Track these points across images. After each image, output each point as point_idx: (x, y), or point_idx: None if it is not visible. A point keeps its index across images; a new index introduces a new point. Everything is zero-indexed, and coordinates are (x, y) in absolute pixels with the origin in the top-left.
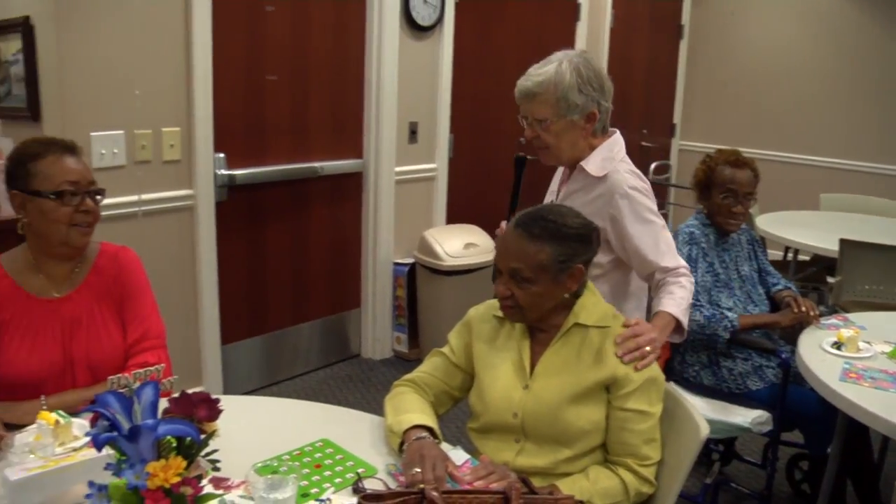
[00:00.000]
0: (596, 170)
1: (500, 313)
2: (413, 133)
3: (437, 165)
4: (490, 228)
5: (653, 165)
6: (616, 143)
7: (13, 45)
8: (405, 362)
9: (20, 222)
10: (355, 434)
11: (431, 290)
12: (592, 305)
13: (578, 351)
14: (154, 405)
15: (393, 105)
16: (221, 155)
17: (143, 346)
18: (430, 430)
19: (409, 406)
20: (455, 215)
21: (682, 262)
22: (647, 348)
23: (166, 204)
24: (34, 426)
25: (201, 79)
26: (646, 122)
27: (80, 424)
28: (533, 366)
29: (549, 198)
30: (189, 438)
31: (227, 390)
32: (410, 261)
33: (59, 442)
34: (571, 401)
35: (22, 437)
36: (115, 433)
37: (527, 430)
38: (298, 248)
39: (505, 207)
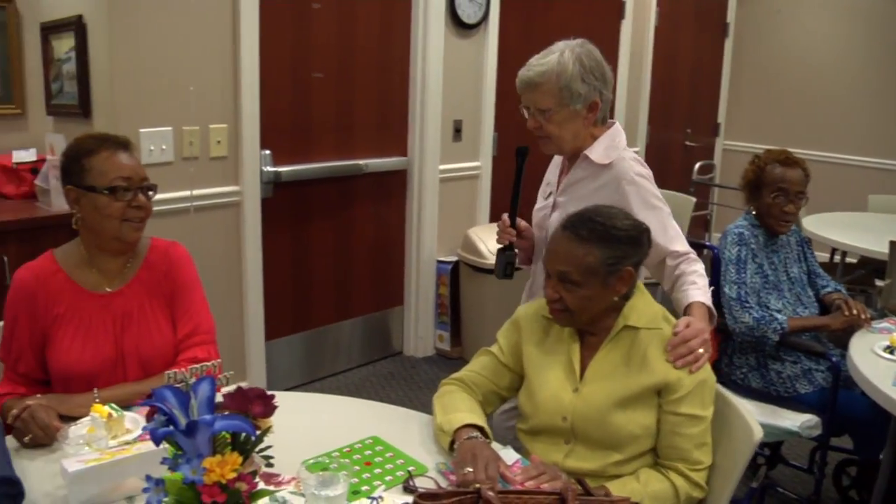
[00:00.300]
0: (600, 158)
1: (547, 313)
2: (457, 131)
3: (481, 163)
4: None
5: (697, 165)
6: (617, 132)
7: (66, 44)
8: (447, 360)
9: (74, 217)
10: (404, 432)
11: (474, 289)
12: (643, 306)
13: (628, 354)
14: (211, 400)
15: (437, 103)
16: (267, 152)
17: (193, 342)
18: (480, 429)
19: (459, 405)
20: (498, 213)
21: (690, 248)
22: (700, 350)
23: (213, 200)
24: (87, 419)
25: (248, 76)
26: (690, 121)
27: (133, 418)
28: (583, 369)
29: (548, 189)
30: (244, 434)
31: (270, 386)
32: (454, 259)
33: (111, 435)
34: (621, 405)
35: (76, 430)
36: (172, 428)
37: (576, 434)
38: (342, 246)
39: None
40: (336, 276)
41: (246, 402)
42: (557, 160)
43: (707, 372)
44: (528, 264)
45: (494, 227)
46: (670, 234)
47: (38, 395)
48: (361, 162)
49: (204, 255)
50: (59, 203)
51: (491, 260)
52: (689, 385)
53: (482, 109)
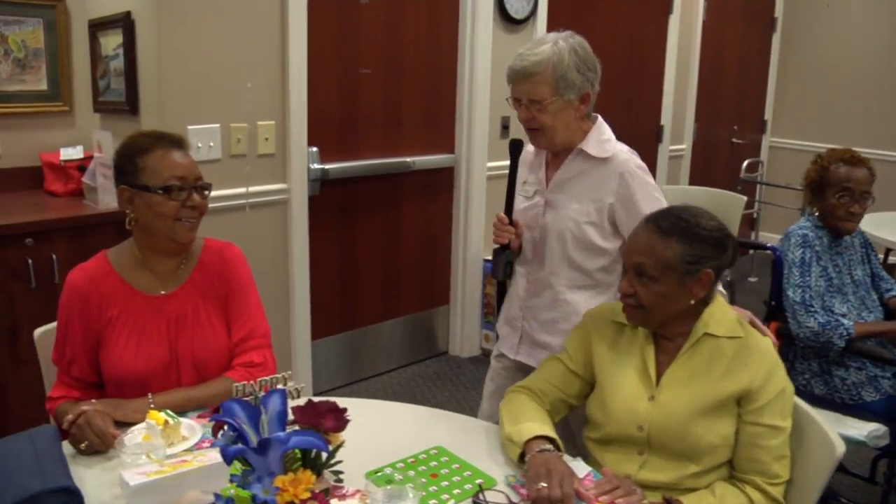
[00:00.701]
0: (598, 151)
1: (619, 318)
2: (505, 128)
3: None
4: None
5: (745, 163)
6: (605, 126)
7: (113, 40)
8: (488, 355)
9: (128, 218)
10: (469, 441)
11: None
12: (721, 314)
13: (709, 362)
14: (282, 415)
15: (485, 99)
16: (315, 149)
17: (248, 345)
18: (552, 441)
19: (528, 415)
20: None
21: None
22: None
23: (260, 198)
24: (142, 425)
25: (296, 71)
26: (736, 118)
27: (189, 425)
28: (658, 375)
29: (531, 188)
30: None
31: (316, 387)
32: None
33: (168, 442)
34: (701, 414)
35: (132, 438)
36: (244, 446)
37: (652, 444)
38: (389, 244)
39: None
40: (382, 275)
41: (317, 416)
42: (528, 158)
43: (787, 381)
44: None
45: None
46: None
47: (93, 401)
48: (408, 159)
49: (251, 254)
50: (106, 201)
51: None
52: (772, 393)
53: None
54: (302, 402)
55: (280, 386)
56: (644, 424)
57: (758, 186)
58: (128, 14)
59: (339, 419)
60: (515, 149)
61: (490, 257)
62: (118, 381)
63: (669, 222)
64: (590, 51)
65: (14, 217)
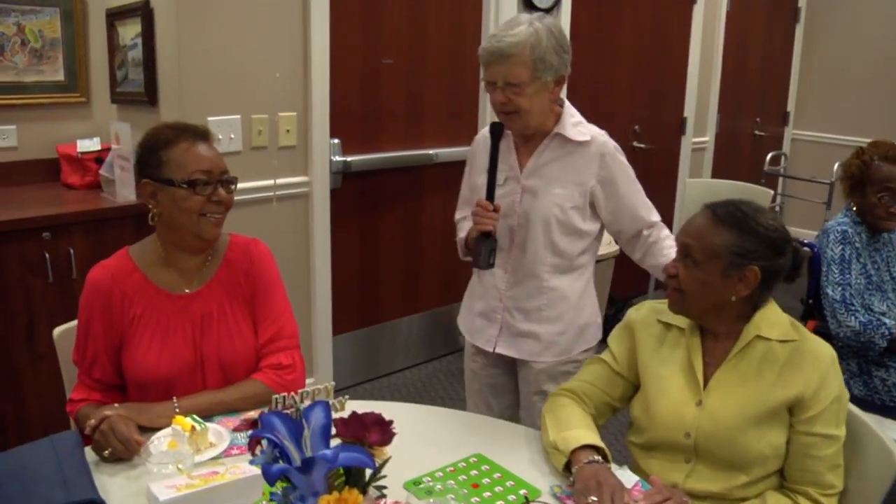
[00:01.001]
0: (576, 135)
1: (665, 317)
2: None
3: None
4: None
5: (769, 156)
6: (573, 109)
7: (131, 30)
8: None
9: (151, 213)
10: (510, 448)
11: None
12: (775, 317)
13: (759, 366)
14: (326, 430)
15: None
16: (336, 141)
17: (276, 346)
18: (599, 450)
19: (574, 421)
20: None
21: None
22: None
23: (282, 191)
24: (168, 430)
25: (318, 61)
26: (759, 110)
27: (216, 430)
28: (706, 379)
29: (503, 174)
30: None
31: (336, 382)
32: None
33: (195, 449)
34: (752, 422)
35: (157, 445)
36: (287, 465)
37: (699, 452)
38: (410, 238)
39: None
40: (404, 269)
41: (362, 430)
42: (487, 142)
43: (842, 388)
44: None
45: None
46: (649, 205)
47: (116, 405)
48: (431, 151)
49: (272, 248)
50: (124, 194)
51: None
52: (826, 400)
53: None
54: (345, 413)
55: (323, 397)
56: (691, 431)
57: (780, 179)
58: (146, 2)
59: (386, 432)
60: (497, 132)
61: None
62: (141, 382)
63: (726, 210)
64: (563, 32)
65: (31, 210)
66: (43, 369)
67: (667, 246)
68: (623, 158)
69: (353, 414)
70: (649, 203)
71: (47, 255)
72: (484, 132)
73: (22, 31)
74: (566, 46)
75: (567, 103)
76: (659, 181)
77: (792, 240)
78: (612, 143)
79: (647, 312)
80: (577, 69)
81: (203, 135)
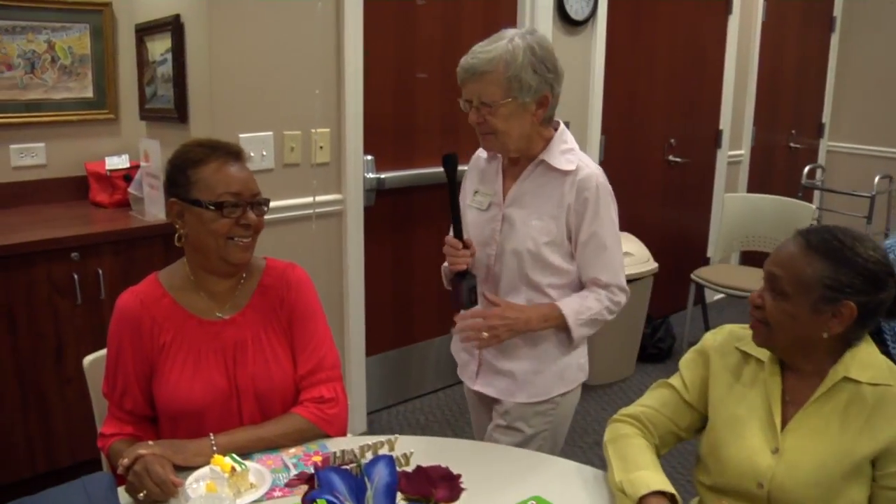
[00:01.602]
0: (563, 163)
1: (744, 346)
2: None
3: None
4: (643, 236)
5: (806, 169)
6: (568, 134)
7: (161, 45)
8: None
9: (178, 233)
10: (568, 489)
11: None
12: (867, 357)
13: (845, 411)
14: (391, 489)
15: None
16: (370, 157)
17: (317, 378)
18: (670, 496)
19: (640, 459)
20: None
21: (620, 281)
22: (484, 334)
23: (317, 209)
24: (205, 470)
25: (352, 76)
26: (794, 122)
27: (257, 470)
28: (784, 420)
29: (485, 200)
30: None
31: (369, 405)
32: None
33: (235, 491)
34: (833, 476)
35: (196, 487)
36: None
37: None
38: (445, 256)
39: (655, 214)
40: (438, 289)
41: (428, 485)
42: (479, 164)
43: None
44: None
45: None
46: (613, 265)
47: (150, 443)
48: (466, 168)
49: (305, 267)
50: (152, 212)
51: None
52: None
53: (589, 111)
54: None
55: (385, 451)
56: (764, 482)
57: (817, 193)
58: (177, 17)
59: (454, 488)
60: (451, 164)
61: None
62: (173, 413)
63: (821, 238)
64: (550, 49)
65: (59, 230)
66: (71, 392)
67: (580, 295)
68: (607, 199)
69: (419, 468)
70: (617, 262)
71: (75, 276)
72: (478, 152)
73: (52, 48)
74: (550, 64)
75: (563, 128)
76: (694, 196)
77: (892, 271)
78: (597, 179)
79: (725, 338)
80: (612, 82)
81: (235, 154)
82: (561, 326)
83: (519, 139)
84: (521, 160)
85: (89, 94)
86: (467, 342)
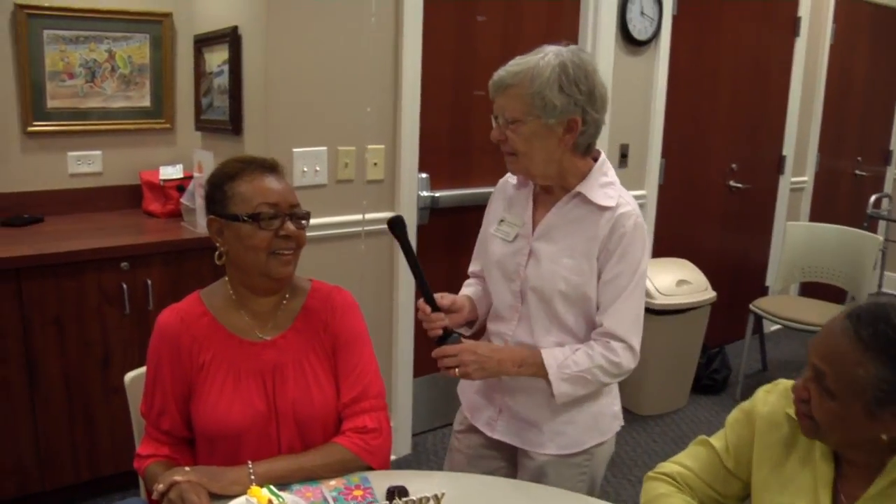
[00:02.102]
0: (601, 198)
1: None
2: (623, 156)
3: (647, 192)
4: (700, 263)
5: (872, 198)
6: (608, 165)
7: (218, 57)
8: None
9: (218, 251)
10: None
11: None
12: None
13: None
14: None
15: (604, 126)
16: (425, 175)
17: (360, 407)
18: None
19: None
20: (661, 247)
21: (626, 336)
22: (456, 370)
23: (367, 227)
24: (242, 500)
25: (409, 92)
26: (861, 148)
27: (295, 502)
28: None
29: (512, 230)
30: None
31: (415, 426)
32: None
33: None
34: None
35: None
36: None
37: None
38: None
39: (713, 241)
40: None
41: None
42: (507, 191)
43: None
44: (472, 323)
45: (661, 262)
46: (630, 317)
47: (187, 468)
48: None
49: (354, 286)
50: (204, 224)
51: (659, 300)
52: None
53: (650, 133)
54: None
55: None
56: None
57: (883, 223)
58: (234, 29)
59: None
60: (398, 228)
61: None
62: (210, 434)
63: (875, 330)
64: (588, 70)
65: (110, 239)
66: (116, 402)
67: (573, 348)
68: (641, 242)
69: None
70: (630, 313)
71: (124, 286)
72: (507, 177)
73: (112, 58)
74: (584, 87)
75: (603, 159)
76: (754, 223)
77: None
78: (636, 218)
79: (777, 402)
80: (674, 104)
81: (271, 167)
82: (541, 376)
83: (544, 165)
84: (554, 190)
85: (147, 103)
86: (445, 374)
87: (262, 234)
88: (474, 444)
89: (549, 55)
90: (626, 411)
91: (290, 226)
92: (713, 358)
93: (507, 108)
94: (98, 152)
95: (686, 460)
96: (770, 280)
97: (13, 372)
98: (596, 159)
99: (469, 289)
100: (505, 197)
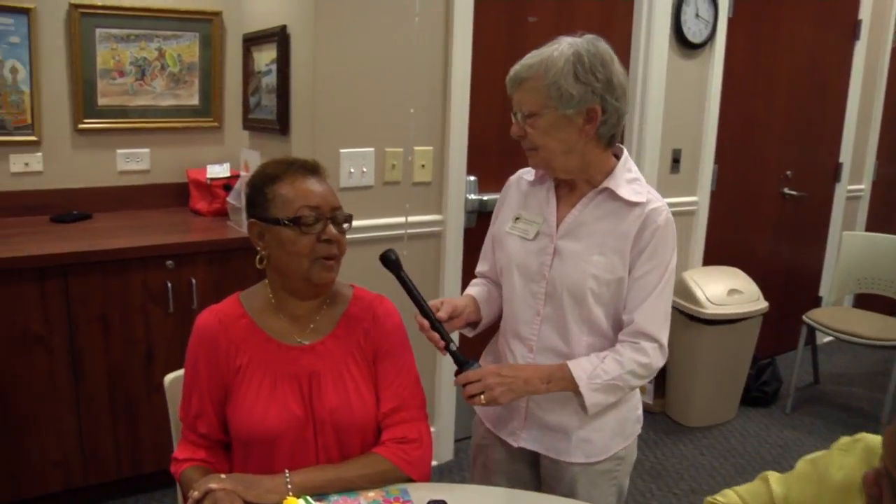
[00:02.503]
0: (630, 194)
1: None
2: (676, 161)
3: (699, 199)
4: (752, 273)
5: None
6: (631, 162)
7: (267, 56)
8: (648, 415)
9: (259, 255)
10: None
11: (687, 340)
12: None
13: None
14: None
15: (657, 128)
16: (473, 178)
17: (400, 417)
18: None
19: None
20: (712, 256)
21: (658, 335)
22: (482, 397)
23: (412, 229)
24: None
25: (459, 94)
26: None
27: None
28: None
29: (531, 227)
30: None
31: (457, 432)
32: None
33: None
34: None
35: None
36: None
37: None
38: None
39: (766, 250)
40: None
41: None
42: (523, 186)
43: None
44: (476, 324)
45: (712, 270)
46: (659, 315)
47: (222, 475)
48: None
49: (398, 290)
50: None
51: (710, 309)
52: None
53: (703, 138)
54: None
55: None
56: None
57: None
58: (283, 28)
59: None
60: (393, 263)
61: None
62: (246, 439)
63: None
64: (606, 58)
65: (156, 238)
66: (158, 401)
67: (600, 356)
68: (671, 239)
69: None
70: (661, 312)
71: (169, 284)
72: (520, 173)
73: (162, 56)
74: (601, 75)
75: (626, 156)
76: (809, 232)
77: None
78: (666, 214)
79: (854, 467)
80: (728, 108)
81: (312, 169)
82: (571, 390)
83: (564, 157)
84: (578, 186)
85: (195, 101)
86: (471, 403)
87: (305, 240)
88: (499, 457)
89: (563, 45)
90: (674, 422)
91: (331, 229)
92: (763, 369)
93: (525, 103)
94: (146, 150)
95: (746, 495)
96: (824, 291)
97: (59, 367)
98: (618, 156)
99: (474, 289)
100: (520, 193)
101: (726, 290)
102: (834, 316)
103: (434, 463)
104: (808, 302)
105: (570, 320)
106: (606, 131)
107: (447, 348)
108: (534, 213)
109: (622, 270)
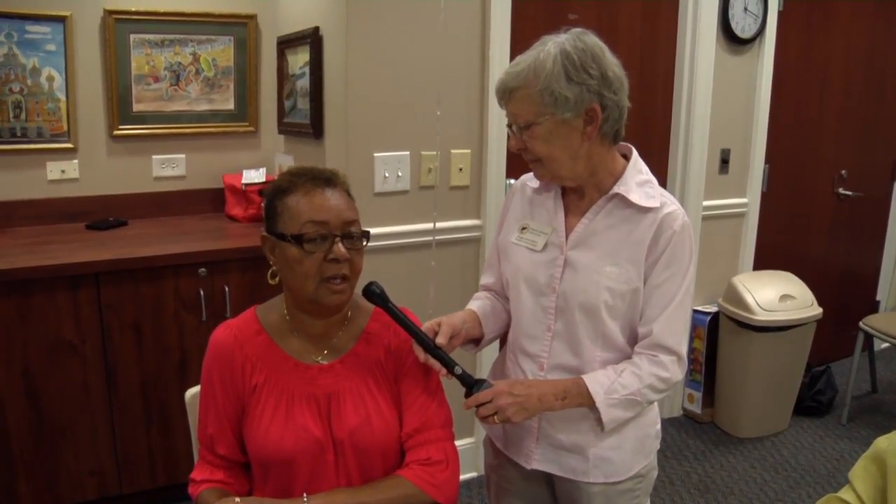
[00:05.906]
0: (643, 198)
1: None
2: (724, 162)
3: (749, 200)
4: (805, 277)
5: None
6: (641, 162)
7: (301, 58)
8: (696, 424)
9: (271, 270)
10: None
11: (736, 347)
12: None
13: None
14: None
15: (704, 128)
16: (512, 181)
17: (425, 437)
18: None
19: None
20: (764, 260)
21: (677, 347)
22: (495, 418)
23: (450, 235)
24: None
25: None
26: None
27: None
28: None
29: (539, 238)
30: None
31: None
32: (713, 309)
33: None
34: None
35: None
36: None
37: None
38: None
39: (820, 253)
40: None
41: None
42: (527, 193)
43: None
44: (477, 341)
45: (763, 275)
46: (678, 326)
47: (238, 500)
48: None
49: (437, 296)
50: None
51: (761, 315)
52: None
53: (753, 137)
54: None
55: None
56: None
57: None
58: (316, 30)
59: None
60: (380, 298)
61: (700, 307)
62: (263, 460)
63: None
64: (596, 52)
65: (190, 244)
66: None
67: (617, 369)
68: (689, 245)
69: None
70: (680, 322)
71: (202, 292)
72: (524, 179)
73: (197, 61)
74: (593, 70)
75: (636, 156)
76: (865, 234)
77: None
78: (683, 218)
79: None
80: (779, 106)
81: (328, 179)
82: (587, 405)
83: (571, 164)
84: (587, 192)
85: (230, 106)
86: (485, 423)
87: (310, 261)
88: (512, 477)
89: (548, 45)
90: (723, 433)
91: (339, 248)
92: (818, 378)
93: (519, 113)
94: (182, 156)
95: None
96: (881, 295)
97: (92, 376)
98: (627, 157)
99: (475, 303)
100: (525, 201)
101: (778, 296)
102: (892, 321)
103: (462, 477)
104: (864, 307)
105: (582, 335)
106: (610, 128)
107: (452, 372)
108: (541, 223)
109: (637, 281)
